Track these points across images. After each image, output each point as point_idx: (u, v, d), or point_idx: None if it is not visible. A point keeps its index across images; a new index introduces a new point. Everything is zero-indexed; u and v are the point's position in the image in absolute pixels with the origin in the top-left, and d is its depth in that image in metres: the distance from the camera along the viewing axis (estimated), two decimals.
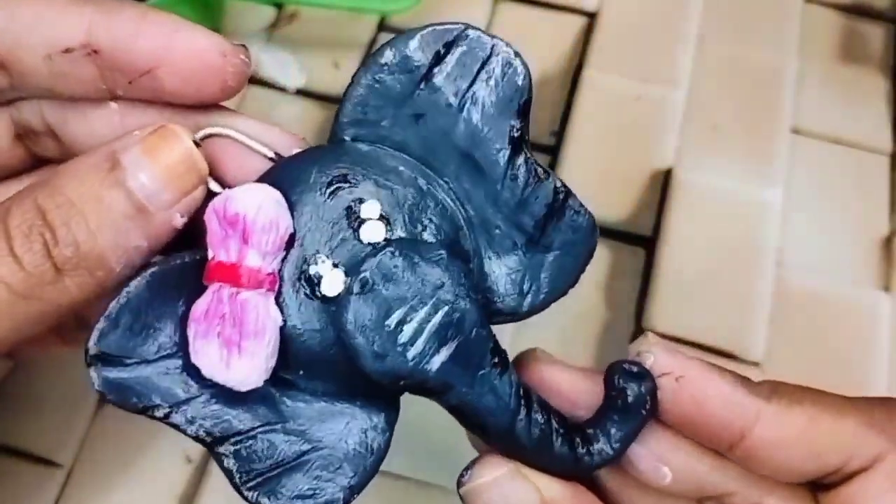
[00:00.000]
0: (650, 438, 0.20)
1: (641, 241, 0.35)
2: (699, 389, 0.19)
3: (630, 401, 0.19)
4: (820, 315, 0.34)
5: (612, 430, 0.20)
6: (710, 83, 0.38)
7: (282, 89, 0.37)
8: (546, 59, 0.39)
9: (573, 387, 0.21)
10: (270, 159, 0.20)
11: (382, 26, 0.39)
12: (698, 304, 0.33)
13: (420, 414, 0.30)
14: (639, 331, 0.33)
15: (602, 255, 0.34)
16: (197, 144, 0.19)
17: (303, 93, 0.37)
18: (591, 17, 0.40)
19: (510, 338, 0.32)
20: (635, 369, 0.20)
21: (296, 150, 0.20)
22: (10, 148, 0.22)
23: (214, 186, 0.20)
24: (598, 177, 0.36)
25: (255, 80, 0.38)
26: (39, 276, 0.18)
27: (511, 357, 0.21)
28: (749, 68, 0.39)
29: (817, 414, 0.19)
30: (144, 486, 0.30)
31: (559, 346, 0.32)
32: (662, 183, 0.36)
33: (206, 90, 0.20)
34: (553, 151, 0.36)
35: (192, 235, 0.20)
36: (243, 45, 0.20)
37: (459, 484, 0.20)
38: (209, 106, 0.21)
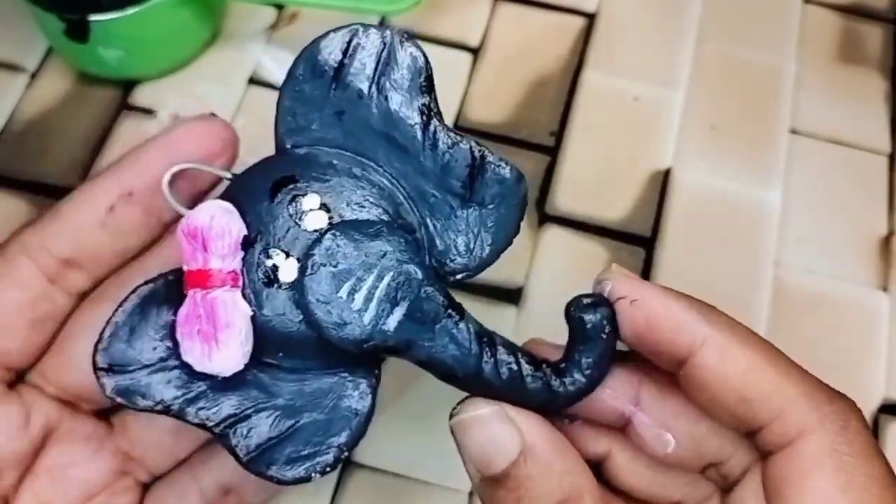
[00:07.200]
0: (653, 405, 0.21)
1: (641, 241, 0.35)
2: (652, 309, 0.20)
3: (589, 328, 0.21)
4: (818, 315, 0.34)
5: (581, 360, 0.21)
6: (708, 83, 0.39)
7: None
8: (545, 60, 0.39)
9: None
10: (229, 179, 0.23)
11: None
12: None
13: (420, 415, 0.30)
14: None
15: (601, 255, 0.34)
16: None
17: None
18: (591, 17, 0.40)
19: (512, 332, 0.32)
20: (589, 300, 0.21)
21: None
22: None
23: (183, 211, 0.22)
24: (597, 177, 0.36)
25: (256, 81, 0.38)
26: None
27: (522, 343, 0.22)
28: (748, 69, 0.39)
29: (763, 363, 0.20)
30: None
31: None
32: (661, 183, 0.36)
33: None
34: (552, 152, 0.36)
35: None
36: (212, 113, 0.24)
37: (451, 417, 0.21)
38: None
